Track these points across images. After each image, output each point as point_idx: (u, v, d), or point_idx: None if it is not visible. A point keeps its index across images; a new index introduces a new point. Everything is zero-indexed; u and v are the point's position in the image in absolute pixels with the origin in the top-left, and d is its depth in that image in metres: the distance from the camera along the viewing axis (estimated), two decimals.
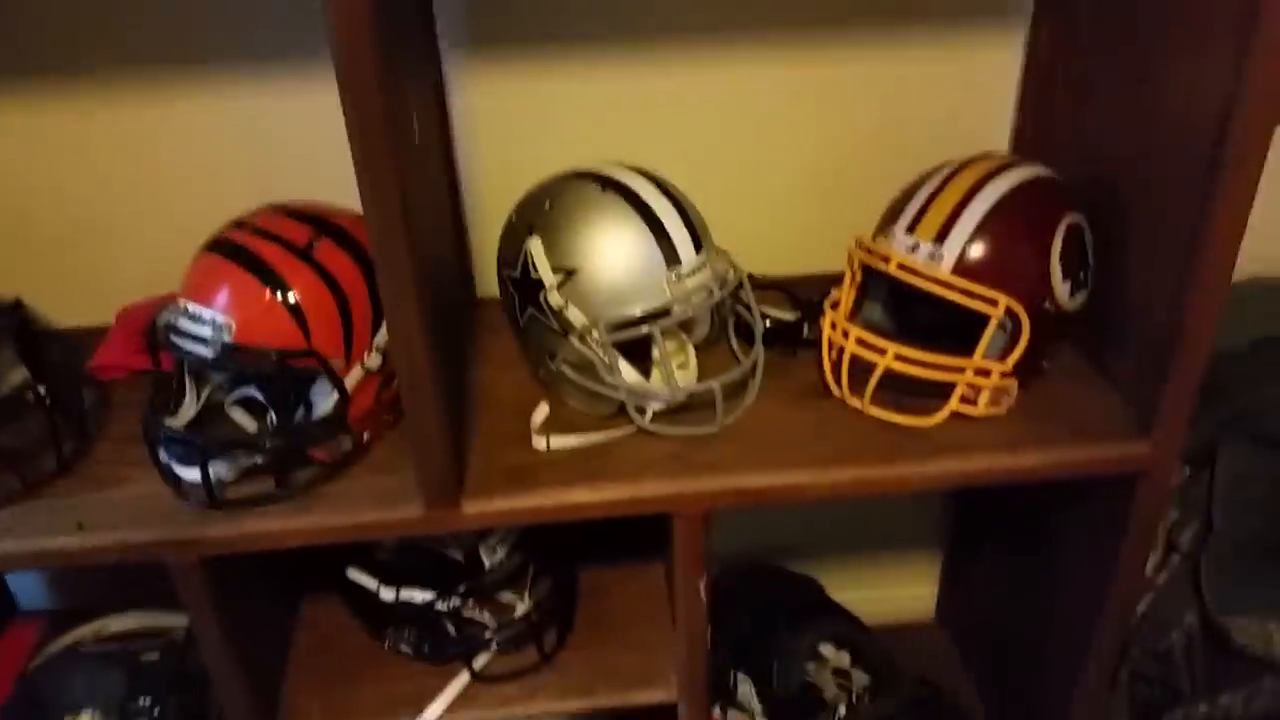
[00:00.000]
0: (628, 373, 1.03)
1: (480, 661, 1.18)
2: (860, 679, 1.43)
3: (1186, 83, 0.93)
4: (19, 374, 1.07)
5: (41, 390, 1.04)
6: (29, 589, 1.50)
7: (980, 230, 1.02)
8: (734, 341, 1.16)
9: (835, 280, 1.15)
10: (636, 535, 1.32)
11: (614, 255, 1.01)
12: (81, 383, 1.12)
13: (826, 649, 1.46)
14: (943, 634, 1.69)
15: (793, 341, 1.17)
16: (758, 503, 1.01)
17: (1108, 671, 1.28)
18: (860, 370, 1.06)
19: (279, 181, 1.08)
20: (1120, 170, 1.05)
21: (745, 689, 1.39)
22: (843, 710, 1.38)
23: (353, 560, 1.18)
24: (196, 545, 0.97)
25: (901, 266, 1.03)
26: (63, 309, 1.25)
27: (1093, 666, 1.25)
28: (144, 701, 1.23)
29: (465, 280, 1.32)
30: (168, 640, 1.29)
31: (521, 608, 1.20)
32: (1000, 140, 1.29)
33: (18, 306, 1.05)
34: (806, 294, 1.22)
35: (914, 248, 1.04)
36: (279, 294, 0.95)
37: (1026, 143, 1.26)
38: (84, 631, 1.31)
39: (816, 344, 1.13)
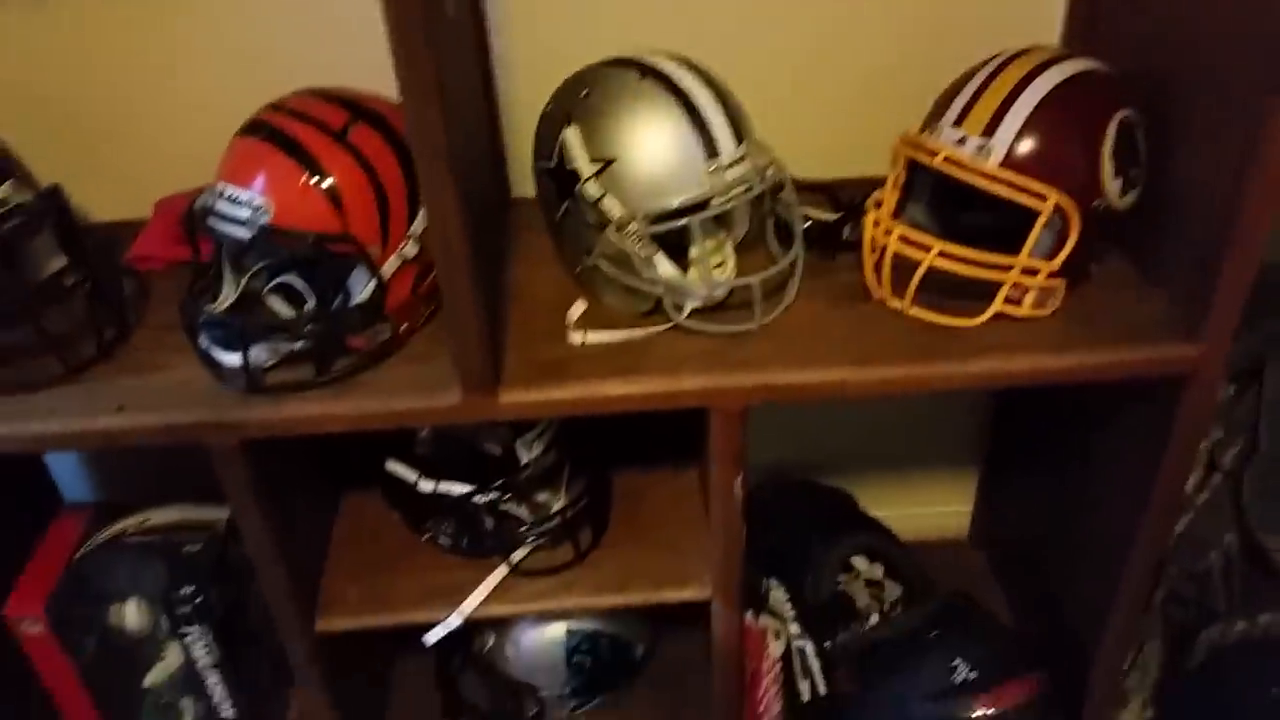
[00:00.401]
0: (665, 267, 1.02)
1: (516, 556, 1.19)
2: (893, 590, 1.43)
3: None
4: (58, 260, 1.08)
5: (81, 276, 1.05)
6: (73, 482, 1.53)
7: (1030, 123, 0.99)
8: (772, 243, 1.14)
9: (877, 184, 1.12)
10: (670, 439, 1.32)
11: (653, 145, 0.99)
12: (120, 272, 1.12)
13: (859, 561, 1.46)
14: (976, 553, 1.68)
15: (832, 243, 1.15)
16: (796, 399, 1.01)
17: (1144, 591, 1.27)
18: (902, 273, 1.03)
19: (313, 69, 1.07)
20: (1177, 60, 1.01)
21: (778, 595, 1.39)
22: (875, 619, 1.38)
23: (392, 453, 1.19)
24: (237, 428, 0.98)
25: (948, 160, 1.01)
26: (100, 203, 1.26)
27: (1128, 586, 1.24)
28: (186, 590, 1.26)
29: (500, 180, 1.30)
30: (210, 533, 1.32)
31: (557, 505, 1.21)
32: (1050, 34, 1.25)
33: (56, 192, 1.05)
34: (847, 197, 1.20)
35: (961, 141, 1.01)
36: (315, 178, 0.94)
37: (1078, 35, 1.21)
38: (128, 523, 1.34)
39: (857, 246, 1.11)
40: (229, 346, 0.97)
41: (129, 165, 1.25)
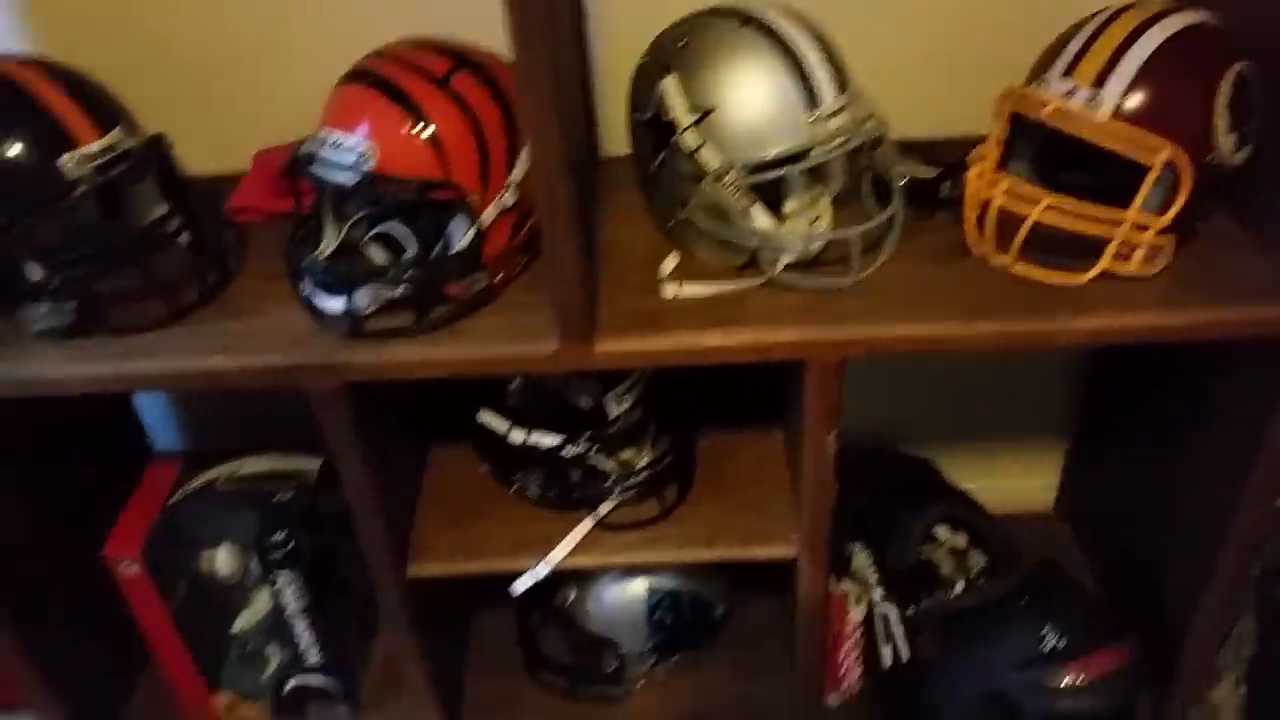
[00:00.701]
0: (762, 219, 1.01)
1: (603, 509, 1.19)
2: (977, 559, 1.41)
3: None
4: (160, 207, 1.10)
5: (182, 223, 1.07)
6: (163, 433, 1.57)
7: (1143, 75, 0.97)
8: (868, 199, 1.13)
9: (973, 144, 1.09)
10: (754, 402, 1.32)
11: (752, 94, 0.98)
12: (220, 222, 1.14)
13: (942, 530, 1.44)
14: (1062, 526, 1.65)
15: (930, 201, 1.13)
16: (895, 351, 0.99)
17: (1243, 567, 1.24)
18: (1004, 229, 1.01)
19: (416, 19, 1.08)
20: None
21: (861, 559, 1.38)
22: (960, 587, 1.36)
23: (484, 404, 1.20)
24: (339, 370, 0.99)
25: (1057, 111, 0.98)
26: (197, 157, 1.28)
27: (1226, 560, 1.21)
28: (277, 537, 1.28)
29: (590, 138, 1.30)
30: (299, 481, 1.34)
31: (643, 461, 1.21)
32: None
33: (160, 140, 1.07)
34: (943, 156, 1.17)
35: (1070, 92, 0.99)
36: (419, 125, 0.95)
37: None
38: (219, 471, 1.37)
39: (955, 204, 1.09)
40: (332, 292, 0.99)
41: (228, 119, 1.27)
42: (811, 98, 0.98)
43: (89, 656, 1.40)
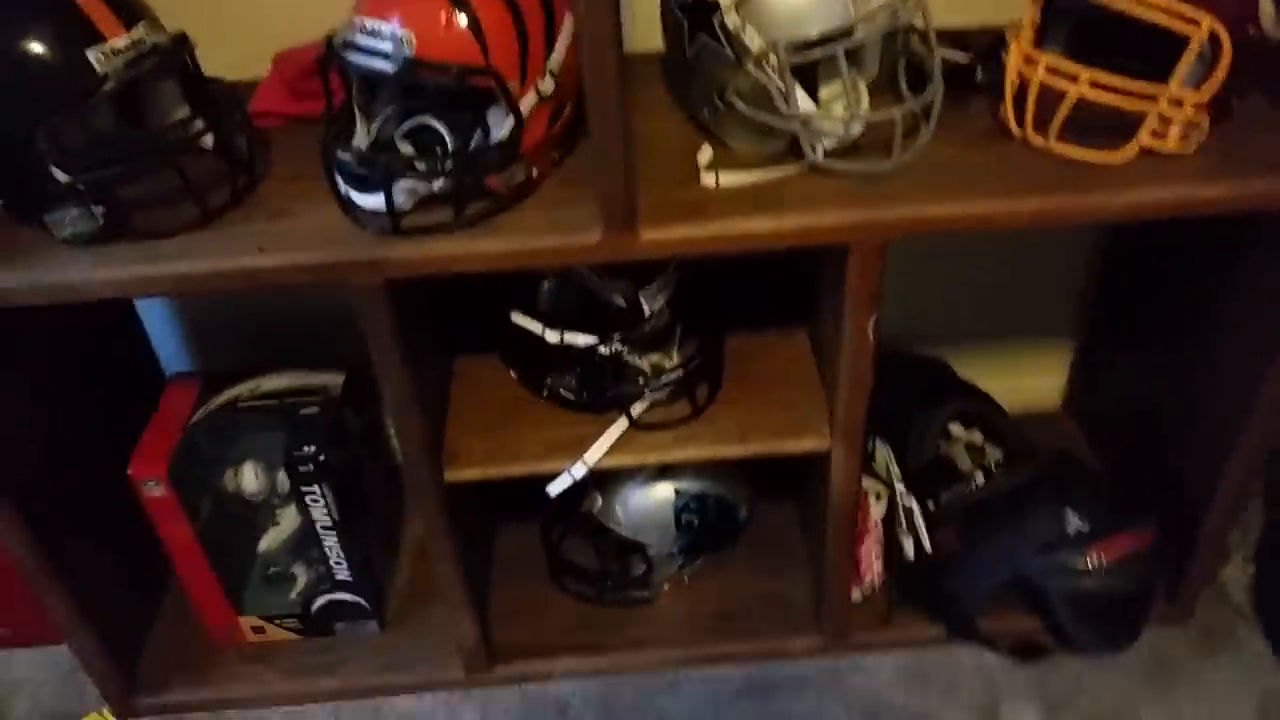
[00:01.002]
0: (805, 102, 1.00)
1: (636, 409, 1.20)
2: (994, 453, 1.44)
3: None
4: (183, 110, 1.06)
5: (207, 125, 1.04)
6: (173, 357, 1.55)
7: None
8: (904, 86, 1.12)
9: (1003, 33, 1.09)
10: (776, 306, 1.32)
11: None
12: (243, 124, 1.11)
13: (956, 428, 1.46)
14: (1069, 423, 1.68)
15: (965, 86, 1.12)
16: (940, 231, 1.00)
17: (1260, 453, 1.26)
18: (1042, 110, 1.01)
19: None
20: None
21: (883, 455, 1.40)
22: (980, 478, 1.39)
23: (516, 306, 1.19)
24: (381, 266, 0.98)
25: None
26: (214, 60, 1.24)
27: (1247, 443, 1.24)
28: (308, 450, 1.27)
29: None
30: (324, 396, 1.33)
31: (674, 361, 1.21)
32: None
33: (184, 38, 1.03)
34: (977, 43, 1.17)
35: None
36: (456, 9, 0.93)
37: None
38: (240, 389, 1.35)
39: (991, 89, 1.09)
40: (369, 188, 0.97)
41: (245, 23, 1.23)
42: None
43: (113, 581, 1.39)
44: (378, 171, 0.96)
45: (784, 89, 0.98)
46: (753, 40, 0.97)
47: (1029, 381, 1.68)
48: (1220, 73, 0.98)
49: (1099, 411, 1.62)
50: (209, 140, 1.06)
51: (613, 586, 1.46)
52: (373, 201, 0.97)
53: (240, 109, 1.10)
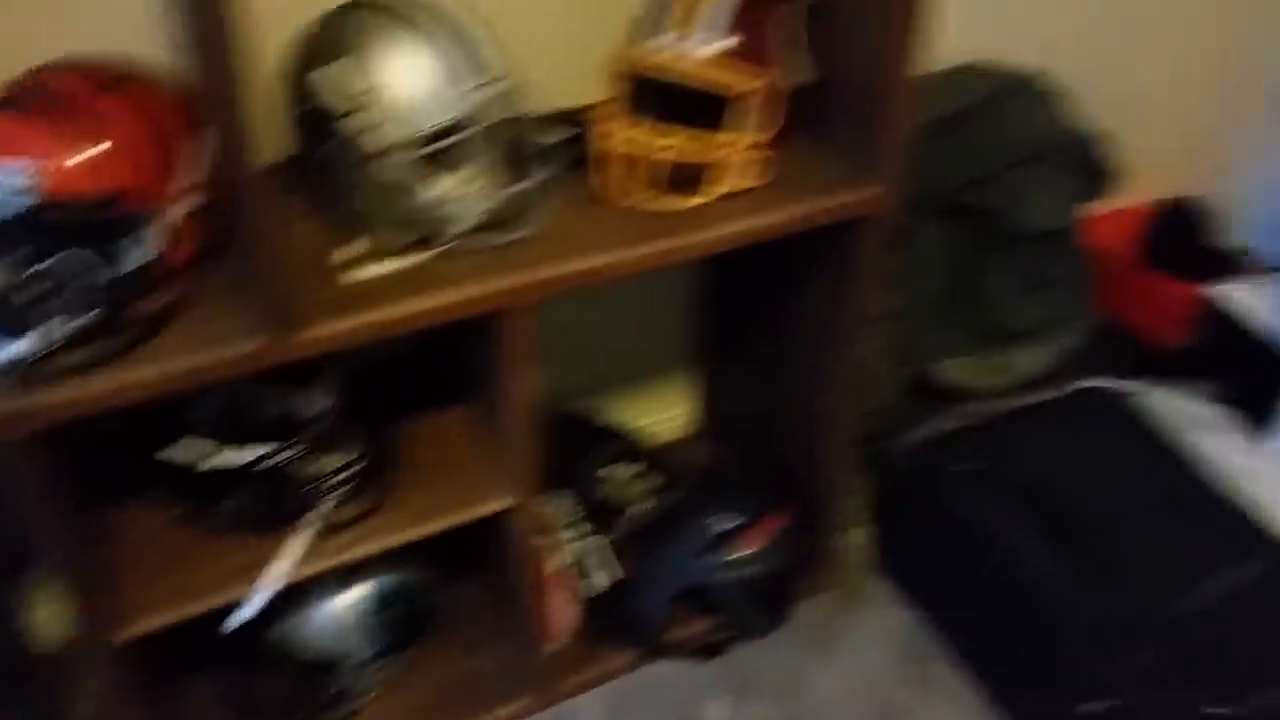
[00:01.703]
0: (432, 190, 1.08)
1: (319, 513, 1.19)
2: (653, 482, 1.61)
3: None
4: None
5: None
6: None
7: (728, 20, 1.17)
8: (526, 164, 1.17)
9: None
10: (434, 390, 1.38)
11: (402, 73, 1.04)
12: None
13: (619, 467, 1.61)
14: (707, 443, 1.86)
15: (575, 158, 1.24)
16: (576, 285, 1.12)
17: (843, 433, 1.52)
18: (636, 171, 1.18)
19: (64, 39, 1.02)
20: None
21: (556, 508, 1.50)
22: (641, 507, 1.54)
23: (160, 444, 1.14)
24: (30, 415, 0.91)
25: (657, 63, 1.17)
26: None
27: (830, 429, 1.50)
28: None
29: None
30: None
31: (349, 458, 1.22)
32: None
33: None
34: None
35: (670, 42, 1.17)
36: (86, 140, 0.91)
37: None
38: None
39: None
40: (7, 335, 0.90)
41: None
42: (458, 72, 1.06)
43: None
44: (10, 318, 0.89)
45: (410, 182, 1.06)
46: (374, 139, 1.04)
47: (674, 411, 1.87)
48: (763, 118, 1.20)
49: (729, 426, 1.82)
50: None
51: (306, 717, 1.41)
52: (13, 349, 0.90)
53: None
